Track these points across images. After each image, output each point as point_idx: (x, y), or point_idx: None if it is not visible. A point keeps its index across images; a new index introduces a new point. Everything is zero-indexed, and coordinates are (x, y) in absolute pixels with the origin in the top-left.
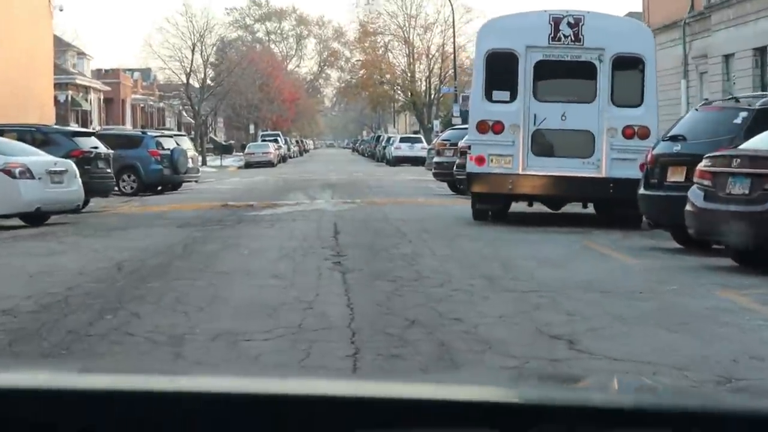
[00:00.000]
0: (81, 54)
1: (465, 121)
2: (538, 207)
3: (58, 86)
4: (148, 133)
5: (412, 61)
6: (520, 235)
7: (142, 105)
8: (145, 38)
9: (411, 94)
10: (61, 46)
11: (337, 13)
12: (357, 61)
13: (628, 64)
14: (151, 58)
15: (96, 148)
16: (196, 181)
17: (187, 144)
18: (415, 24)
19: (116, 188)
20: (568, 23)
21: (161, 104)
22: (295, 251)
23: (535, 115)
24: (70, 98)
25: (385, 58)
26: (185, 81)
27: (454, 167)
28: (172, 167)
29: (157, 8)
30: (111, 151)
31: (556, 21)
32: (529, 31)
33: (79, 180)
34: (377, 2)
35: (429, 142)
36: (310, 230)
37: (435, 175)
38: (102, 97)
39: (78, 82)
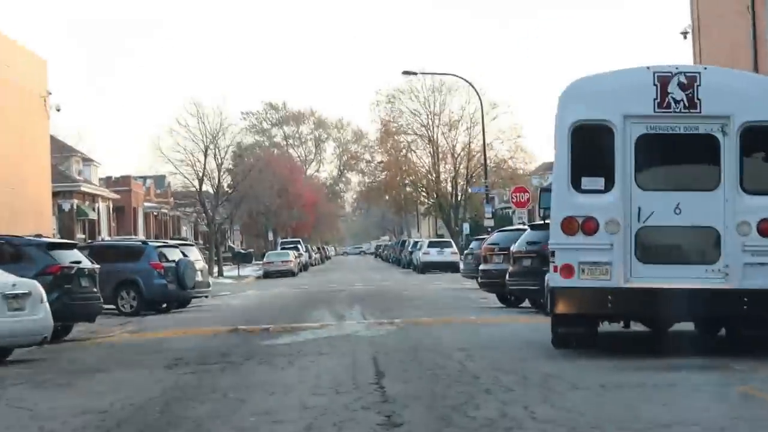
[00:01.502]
0: (87, 160)
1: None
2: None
3: (61, 194)
4: (150, 243)
5: (436, 161)
6: (638, 377)
7: (155, 213)
8: (154, 141)
9: (437, 195)
10: (64, 151)
11: (357, 115)
12: (379, 162)
13: (763, 137)
14: (160, 163)
15: (78, 262)
16: (206, 296)
17: (195, 254)
18: (439, 122)
19: (114, 307)
20: (680, 83)
21: (176, 212)
22: (325, 416)
23: (639, 209)
24: (75, 207)
25: (408, 159)
26: (198, 186)
27: (507, 276)
28: (178, 281)
29: (166, 109)
30: (97, 266)
31: (663, 81)
32: (627, 95)
33: (47, 305)
34: (399, 100)
35: (458, 245)
36: (343, 372)
37: (482, 284)
38: (111, 206)
39: (84, 189)
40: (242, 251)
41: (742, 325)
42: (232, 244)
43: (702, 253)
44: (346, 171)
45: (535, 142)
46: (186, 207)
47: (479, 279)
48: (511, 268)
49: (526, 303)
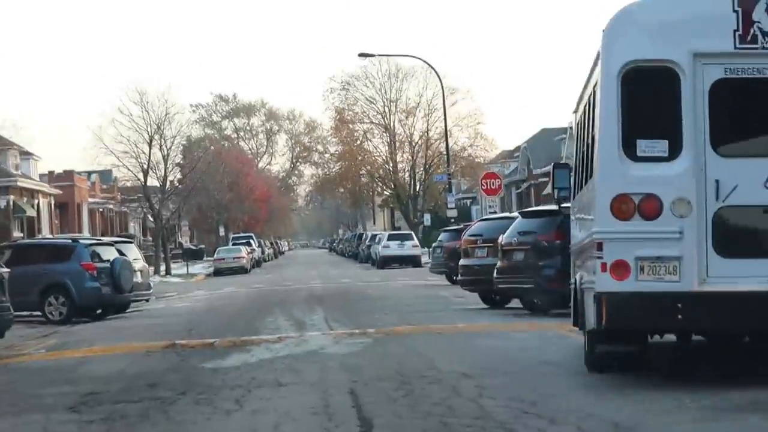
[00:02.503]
0: (26, 154)
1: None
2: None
3: None
4: (81, 241)
5: (393, 150)
6: (728, 420)
7: (101, 210)
8: (96, 132)
9: (394, 185)
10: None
11: (309, 106)
12: (334, 152)
13: None
14: (104, 155)
15: None
16: (147, 300)
17: (134, 252)
18: (396, 109)
19: (41, 314)
20: None
21: (123, 208)
22: None
23: (717, 182)
24: (11, 203)
25: (365, 148)
26: (143, 180)
27: (495, 272)
28: (114, 284)
29: (109, 98)
30: (5, 270)
31: (745, 6)
32: (698, 25)
33: None
34: (354, 87)
35: (418, 237)
36: (313, 420)
37: (462, 282)
38: (53, 202)
39: (22, 185)
40: (192, 247)
41: None
42: (182, 241)
43: None
44: (298, 163)
45: (496, 130)
46: (133, 203)
47: (459, 276)
48: (499, 263)
49: (514, 303)
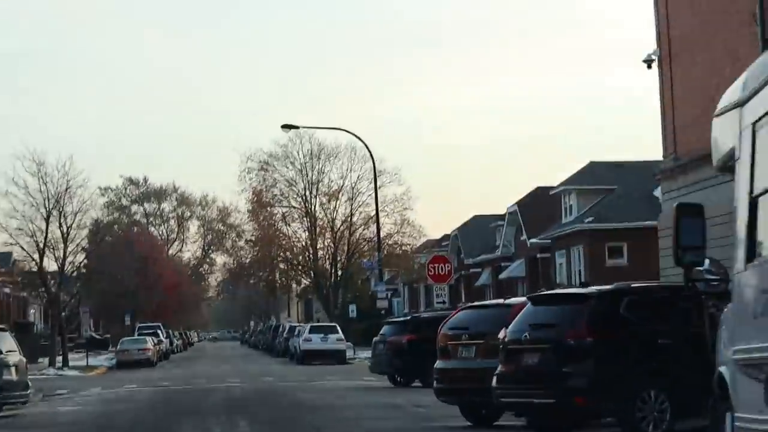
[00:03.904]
0: None
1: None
2: None
3: None
4: None
5: (314, 235)
6: None
7: None
8: None
9: (314, 274)
10: None
11: (223, 190)
12: (250, 237)
13: None
14: None
15: None
16: (24, 402)
17: (9, 343)
18: (317, 192)
19: None
20: None
21: (23, 293)
22: None
23: None
24: None
25: (283, 233)
26: (39, 260)
27: (495, 380)
28: None
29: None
30: None
31: None
32: None
33: None
34: (273, 168)
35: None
36: None
37: (440, 391)
38: None
39: None
40: (97, 337)
41: None
42: (88, 330)
43: None
44: (210, 251)
45: (423, 217)
46: (31, 288)
47: (435, 383)
48: (501, 368)
49: (506, 418)
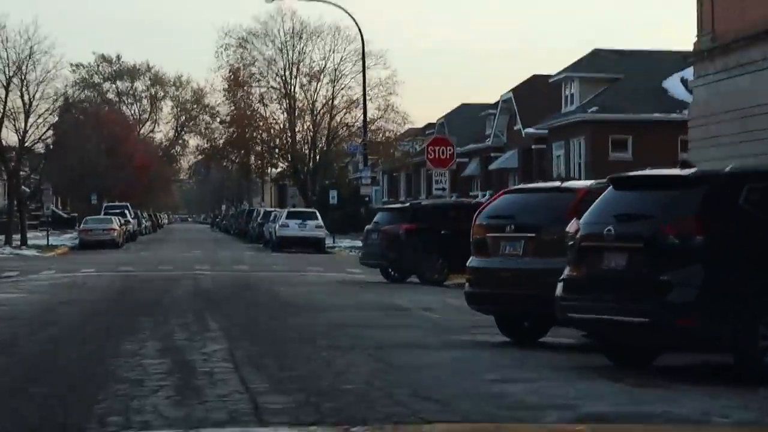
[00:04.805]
0: None
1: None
2: None
3: None
4: None
5: (293, 118)
6: None
7: None
8: None
9: (292, 158)
10: None
11: (199, 73)
12: (222, 121)
13: None
14: None
15: None
16: None
17: None
18: (298, 73)
19: None
20: None
21: None
22: None
23: None
24: None
25: (260, 114)
26: None
27: (560, 289)
28: None
29: None
30: None
31: None
32: None
33: None
34: (252, 45)
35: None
36: None
37: (471, 296)
38: None
39: None
40: (64, 215)
41: None
42: (54, 207)
43: None
44: (184, 133)
45: (408, 104)
46: None
47: (468, 285)
48: (570, 272)
49: (553, 333)
